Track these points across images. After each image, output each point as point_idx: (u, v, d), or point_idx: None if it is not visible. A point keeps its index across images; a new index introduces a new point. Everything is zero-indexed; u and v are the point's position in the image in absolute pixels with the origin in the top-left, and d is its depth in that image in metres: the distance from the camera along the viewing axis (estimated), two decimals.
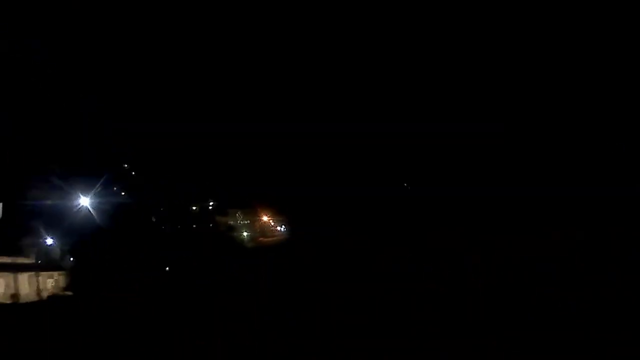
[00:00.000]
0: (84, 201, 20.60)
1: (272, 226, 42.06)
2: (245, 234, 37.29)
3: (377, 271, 11.84)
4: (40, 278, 17.32)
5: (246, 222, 39.44)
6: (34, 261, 19.82)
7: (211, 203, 37.15)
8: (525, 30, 20.59)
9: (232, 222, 37.81)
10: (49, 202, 20.36)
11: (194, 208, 35.70)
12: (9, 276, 15.81)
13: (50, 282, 17.71)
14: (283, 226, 42.42)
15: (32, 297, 15.42)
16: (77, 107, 21.79)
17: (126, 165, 29.53)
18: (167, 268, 19.11)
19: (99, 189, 21.06)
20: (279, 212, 38.85)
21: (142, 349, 6.30)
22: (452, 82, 23.05)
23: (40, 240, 20.87)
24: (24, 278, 16.43)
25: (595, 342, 5.79)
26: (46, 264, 19.73)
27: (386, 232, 21.09)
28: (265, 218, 40.80)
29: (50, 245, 21.48)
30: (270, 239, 37.70)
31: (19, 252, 19.26)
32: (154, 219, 30.19)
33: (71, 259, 20.66)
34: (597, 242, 14.12)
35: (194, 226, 34.31)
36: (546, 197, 20.11)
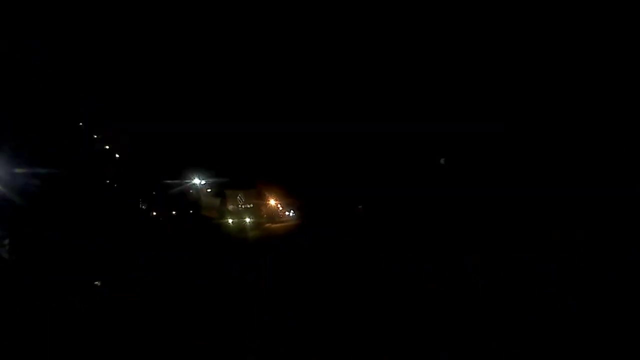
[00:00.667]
0: None
1: (281, 210, 36.44)
2: (247, 220, 30.44)
3: (377, 271, 11.82)
4: None
5: (249, 205, 32.59)
6: None
7: (199, 182, 28.36)
8: (525, 30, 20.60)
9: (231, 207, 30.81)
10: None
11: (176, 187, 27.19)
12: None
13: None
14: (292, 211, 37.24)
15: None
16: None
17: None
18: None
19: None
20: (287, 195, 33.20)
21: (142, 349, 6.31)
22: (452, 82, 23.06)
23: None
24: None
25: (595, 342, 5.79)
26: None
27: (386, 232, 21.09)
28: (272, 201, 34.92)
29: None
30: (278, 225, 32.26)
31: None
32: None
33: None
34: (597, 242, 14.12)
35: (173, 210, 27.10)
36: (546, 197, 20.12)
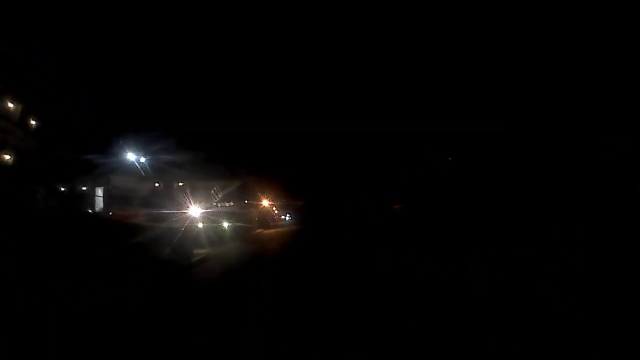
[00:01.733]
0: None
1: (276, 213, 30.31)
2: (226, 224, 21.41)
3: (377, 271, 11.82)
4: None
5: (228, 204, 23.23)
6: None
7: (138, 159, 18.95)
8: (525, 30, 20.60)
9: (198, 205, 20.31)
10: None
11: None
12: None
13: None
14: (288, 214, 30.81)
15: None
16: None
17: None
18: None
19: None
20: (284, 194, 26.91)
21: (142, 349, 6.30)
22: (452, 82, 23.06)
23: None
24: None
25: (595, 342, 5.79)
26: None
27: (386, 232, 21.09)
28: (265, 203, 27.58)
29: None
30: (272, 231, 26.21)
31: None
32: None
33: None
34: (597, 242, 14.12)
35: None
36: (546, 197, 20.12)
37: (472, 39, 21.42)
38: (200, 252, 16.90)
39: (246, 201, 25.49)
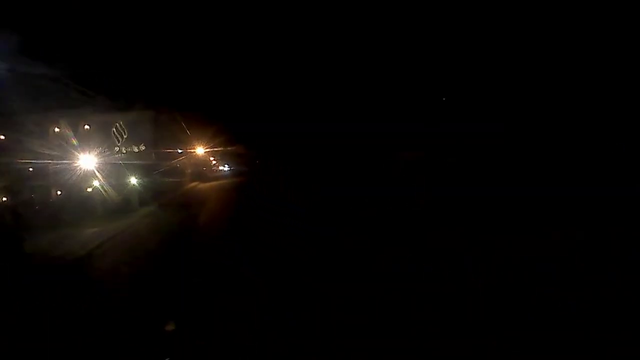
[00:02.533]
0: None
1: (213, 165, 24.84)
2: (135, 181, 15.69)
3: (377, 271, 11.82)
4: None
5: (137, 148, 16.55)
6: None
7: None
8: (525, 30, 20.60)
9: (89, 156, 14.09)
10: None
11: None
12: None
13: None
14: (227, 165, 25.25)
15: None
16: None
17: None
18: None
19: None
20: (223, 139, 20.67)
21: (142, 349, 6.31)
22: (452, 82, 23.06)
23: None
24: None
25: (595, 342, 5.79)
26: None
27: (386, 232, 21.06)
28: (200, 150, 21.97)
29: None
30: (207, 185, 21.60)
31: None
32: None
33: None
34: (597, 242, 14.12)
35: None
36: (546, 197, 20.10)
37: (472, 39, 21.43)
38: (88, 231, 12.03)
39: (179, 150, 19.36)
